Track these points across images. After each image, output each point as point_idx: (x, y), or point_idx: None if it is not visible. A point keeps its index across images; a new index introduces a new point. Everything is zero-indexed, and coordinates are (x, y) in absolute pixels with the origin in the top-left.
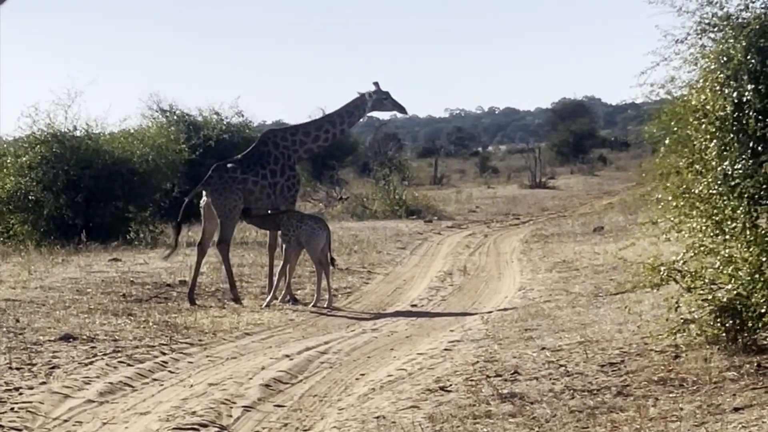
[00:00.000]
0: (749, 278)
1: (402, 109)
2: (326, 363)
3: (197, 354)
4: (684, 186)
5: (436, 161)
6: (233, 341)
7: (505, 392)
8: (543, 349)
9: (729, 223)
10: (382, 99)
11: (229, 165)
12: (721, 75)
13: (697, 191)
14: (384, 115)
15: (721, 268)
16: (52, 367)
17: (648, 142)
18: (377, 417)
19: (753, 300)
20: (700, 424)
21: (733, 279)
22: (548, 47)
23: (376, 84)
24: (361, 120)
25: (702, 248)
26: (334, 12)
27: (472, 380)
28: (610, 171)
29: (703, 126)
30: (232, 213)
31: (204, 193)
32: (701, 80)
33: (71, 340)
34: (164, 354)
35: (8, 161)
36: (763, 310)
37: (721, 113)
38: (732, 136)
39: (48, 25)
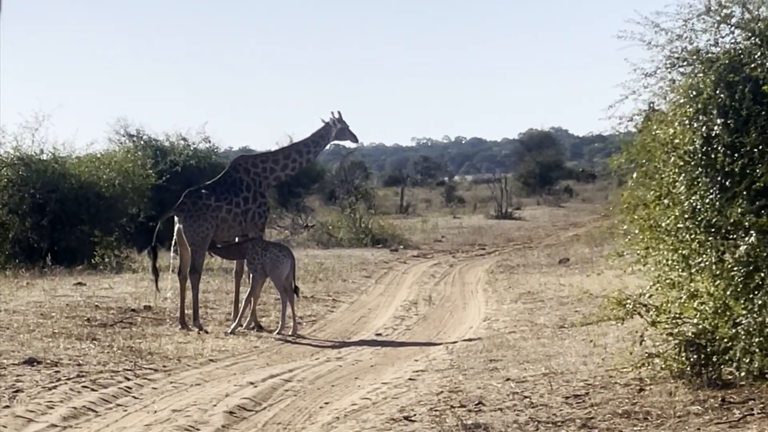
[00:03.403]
0: (714, 313)
1: (355, 139)
2: (290, 391)
3: (161, 380)
4: (651, 219)
5: (402, 190)
6: (197, 368)
7: (470, 423)
8: (508, 380)
9: (695, 257)
10: (344, 128)
11: (203, 191)
12: (690, 109)
13: (664, 224)
14: (349, 144)
15: (686, 302)
16: (16, 391)
17: (615, 174)
18: None
19: (718, 334)
20: None
21: (698, 313)
22: (516, 78)
23: (339, 113)
24: (326, 148)
25: (667, 282)
26: (300, 40)
27: (436, 410)
28: (576, 203)
29: (672, 159)
30: (204, 242)
31: (176, 219)
32: (670, 114)
33: (35, 364)
34: (128, 379)
35: None
36: (727, 345)
37: (690, 147)
38: (700, 170)
39: (16, 48)
